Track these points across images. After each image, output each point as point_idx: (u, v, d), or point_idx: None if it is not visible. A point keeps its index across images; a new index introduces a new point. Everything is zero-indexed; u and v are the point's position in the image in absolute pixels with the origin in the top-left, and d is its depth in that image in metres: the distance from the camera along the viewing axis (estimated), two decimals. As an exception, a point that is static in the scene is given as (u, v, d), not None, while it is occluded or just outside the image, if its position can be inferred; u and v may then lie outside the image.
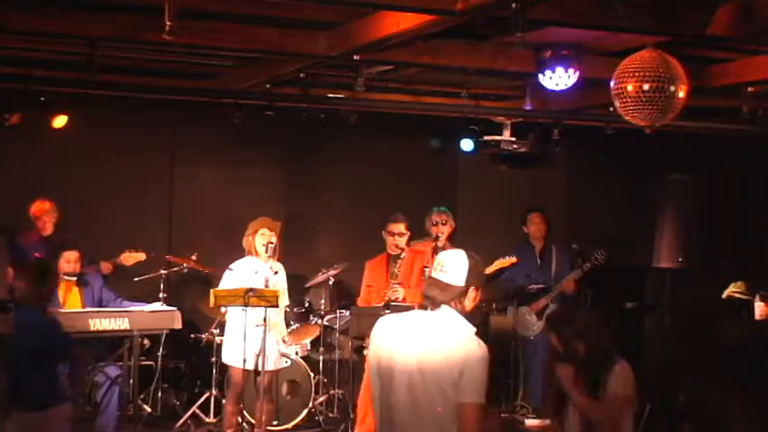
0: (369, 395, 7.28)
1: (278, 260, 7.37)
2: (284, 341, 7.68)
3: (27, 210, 8.20)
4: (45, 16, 5.99)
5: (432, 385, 3.75)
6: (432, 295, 3.86)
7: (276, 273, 7.33)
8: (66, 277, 7.53)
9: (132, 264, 8.19)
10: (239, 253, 7.48)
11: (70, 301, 7.60)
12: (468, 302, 3.88)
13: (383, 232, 7.78)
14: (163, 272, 8.35)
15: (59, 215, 8.19)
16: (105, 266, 8.19)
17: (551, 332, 5.17)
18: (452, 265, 3.86)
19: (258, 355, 7.07)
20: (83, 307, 7.55)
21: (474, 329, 3.88)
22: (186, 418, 8.21)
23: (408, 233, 7.84)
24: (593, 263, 8.66)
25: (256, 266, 7.32)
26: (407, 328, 3.90)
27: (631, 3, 5.30)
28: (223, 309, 7.40)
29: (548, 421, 8.49)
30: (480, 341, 3.82)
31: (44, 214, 8.12)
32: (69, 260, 7.55)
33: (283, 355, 7.93)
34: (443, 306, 3.84)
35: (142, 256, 8.22)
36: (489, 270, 8.51)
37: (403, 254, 7.62)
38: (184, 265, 8.41)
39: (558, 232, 9.71)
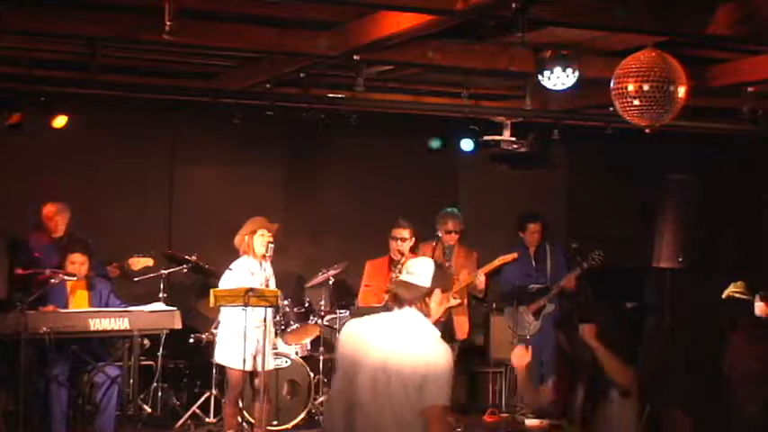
0: None
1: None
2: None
3: (32, 210, 8.20)
4: (45, 16, 5.99)
5: (396, 387, 3.82)
6: (398, 293, 4.01)
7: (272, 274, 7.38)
8: (68, 278, 7.51)
9: (139, 269, 8.18)
10: (239, 253, 7.47)
11: (76, 302, 7.58)
12: (435, 305, 4.00)
13: (388, 237, 7.82)
14: (163, 272, 8.35)
15: (71, 216, 8.18)
16: (112, 270, 8.19)
17: (559, 330, 5.16)
18: (418, 269, 4.02)
19: (255, 356, 7.08)
20: (89, 310, 7.55)
21: (438, 333, 4.00)
22: (186, 418, 8.21)
23: (413, 239, 7.85)
24: (591, 263, 8.69)
25: (254, 267, 7.33)
26: (373, 330, 4.01)
27: (631, 3, 5.31)
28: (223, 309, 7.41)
29: (548, 421, 8.55)
30: (444, 345, 3.94)
31: (56, 215, 8.11)
32: (74, 262, 7.53)
33: (283, 355, 7.95)
34: (408, 307, 3.97)
35: (150, 262, 8.21)
36: (493, 265, 8.56)
37: (404, 260, 7.62)
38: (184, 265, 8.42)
39: (558, 232, 9.72)
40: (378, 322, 4.09)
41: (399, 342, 3.88)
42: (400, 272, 7.52)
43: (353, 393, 3.90)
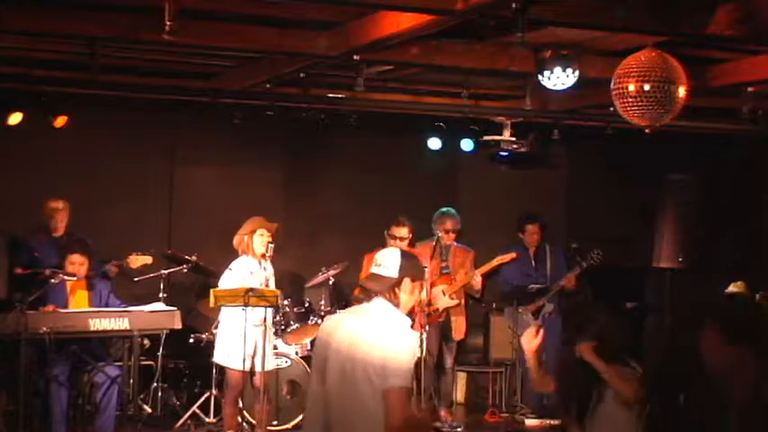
0: None
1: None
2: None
3: (32, 209, 8.20)
4: (45, 16, 5.99)
5: (361, 375, 3.82)
6: (367, 287, 4.05)
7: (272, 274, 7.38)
8: (67, 278, 7.50)
9: (138, 266, 8.19)
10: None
11: (76, 302, 7.59)
12: (405, 295, 4.00)
13: (386, 233, 7.82)
14: (163, 272, 8.34)
15: (71, 215, 8.19)
16: (112, 269, 8.19)
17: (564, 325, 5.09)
18: (386, 260, 4.03)
19: (254, 356, 7.07)
20: (89, 310, 7.55)
21: (408, 321, 4.01)
22: (186, 418, 8.21)
23: (410, 236, 7.86)
24: (590, 262, 8.69)
25: (253, 267, 7.33)
26: (341, 323, 4.03)
27: (631, 3, 5.31)
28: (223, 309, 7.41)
29: (548, 421, 8.55)
30: (409, 332, 3.96)
31: (57, 213, 8.10)
32: (74, 262, 7.53)
33: (283, 355, 7.94)
34: (378, 298, 3.98)
35: (149, 260, 8.21)
36: (491, 265, 8.58)
37: None
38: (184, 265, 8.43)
39: (558, 232, 9.71)
40: (346, 316, 4.15)
41: (365, 332, 3.89)
42: None
43: (326, 387, 3.91)
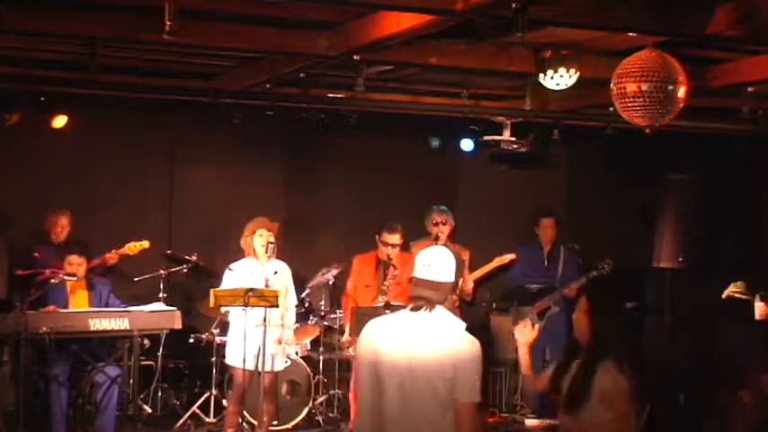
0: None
1: (278, 260, 7.39)
2: (283, 342, 7.61)
3: (31, 211, 8.22)
4: (45, 16, 5.99)
5: (422, 383, 3.74)
6: (426, 296, 3.84)
7: (276, 272, 7.34)
8: (67, 278, 7.50)
9: (137, 252, 8.22)
10: (239, 253, 7.48)
11: (76, 302, 7.61)
12: (453, 296, 3.90)
13: (377, 238, 7.75)
14: (163, 272, 8.35)
15: (72, 217, 8.21)
16: (110, 257, 8.21)
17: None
18: (440, 263, 3.85)
19: (257, 356, 7.07)
20: (89, 310, 7.56)
21: (464, 325, 3.88)
22: (186, 418, 8.22)
23: (402, 241, 7.83)
24: (600, 272, 8.64)
25: (254, 267, 7.32)
26: (398, 330, 3.87)
27: (632, 2, 5.31)
28: (224, 309, 7.41)
29: (548, 421, 8.55)
30: (472, 338, 3.83)
31: (59, 223, 8.16)
32: (72, 263, 7.54)
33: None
34: (439, 307, 3.83)
35: (146, 244, 8.28)
36: (490, 267, 8.57)
37: (396, 270, 7.58)
38: (184, 265, 8.43)
39: (558, 232, 9.71)
40: (402, 322, 3.90)
41: (425, 341, 3.77)
42: (387, 277, 7.56)
43: (381, 400, 3.81)
